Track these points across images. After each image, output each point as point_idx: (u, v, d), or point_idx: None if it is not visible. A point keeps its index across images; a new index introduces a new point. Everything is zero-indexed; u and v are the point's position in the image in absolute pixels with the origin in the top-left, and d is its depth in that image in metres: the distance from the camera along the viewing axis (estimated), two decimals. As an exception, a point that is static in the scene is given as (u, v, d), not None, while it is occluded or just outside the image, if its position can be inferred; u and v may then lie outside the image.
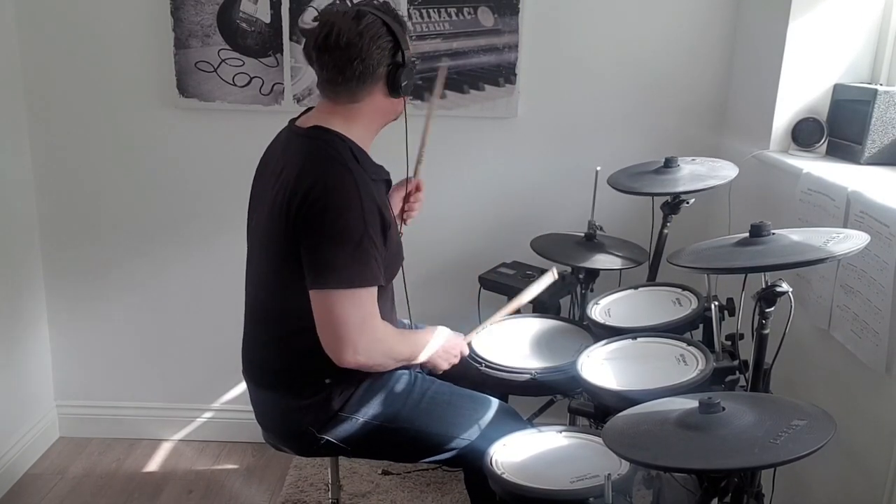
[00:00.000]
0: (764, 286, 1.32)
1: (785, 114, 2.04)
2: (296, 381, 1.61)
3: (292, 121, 1.66)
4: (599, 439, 1.38)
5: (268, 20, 2.36)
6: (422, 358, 1.66)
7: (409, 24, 2.31)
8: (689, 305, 1.76)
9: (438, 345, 1.69)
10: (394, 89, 1.56)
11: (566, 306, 2.20)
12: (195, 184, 2.52)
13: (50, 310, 2.64)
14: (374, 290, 1.51)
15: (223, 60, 2.38)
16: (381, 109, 1.60)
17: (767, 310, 1.34)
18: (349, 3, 2.28)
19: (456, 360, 1.74)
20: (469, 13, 2.34)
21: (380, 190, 1.58)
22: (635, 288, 1.92)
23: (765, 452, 1.03)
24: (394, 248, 1.59)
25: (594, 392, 1.49)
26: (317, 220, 1.47)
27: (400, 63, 1.55)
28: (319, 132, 1.56)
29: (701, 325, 1.71)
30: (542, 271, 2.15)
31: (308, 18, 2.32)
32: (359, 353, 1.49)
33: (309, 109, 1.67)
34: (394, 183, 1.70)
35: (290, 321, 1.60)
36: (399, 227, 1.67)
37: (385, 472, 2.45)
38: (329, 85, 1.56)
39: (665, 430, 1.13)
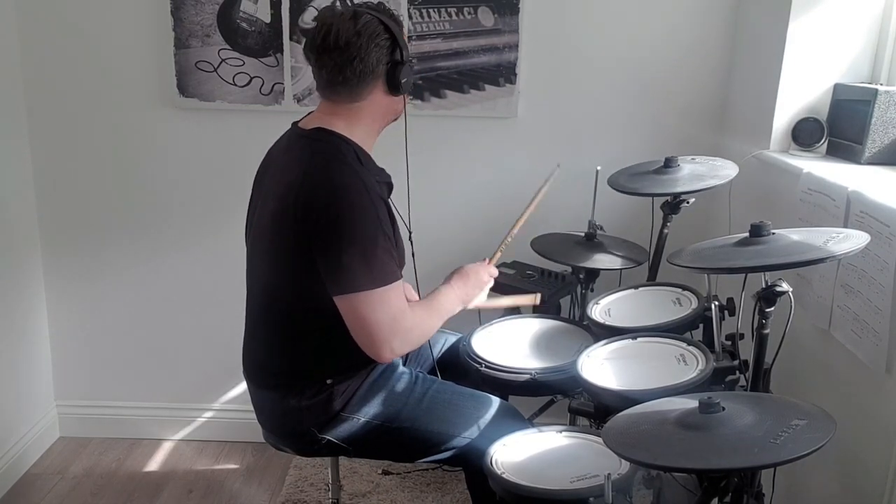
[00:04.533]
0: (764, 286, 1.32)
1: (785, 114, 2.04)
2: (297, 381, 1.61)
3: (295, 123, 1.66)
4: (599, 439, 1.38)
5: (268, 20, 2.36)
6: (457, 311, 1.70)
7: (409, 24, 2.32)
8: (689, 305, 1.76)
9: (464, 292, 1.71)
10: (393, 87, 1.56)
11: (566, 306, 2.20)
12: (195, 184, 2.52)
13: (50, 310, 2.64)
14: (398, 284, 1.53)
15: (223, 60, 2.38)
16: (382, 108, 1.60)
17: (767, 310, 1.34)
18: (349, 3, 2.28)
19: (489, 285, 1.79)
20: (469, 13, 2.34)
21: (383, 192, 1.59)
22: (635, 288, 1.92)
23: (765, 452, 1.03)
24: (399, 249, 1.60)
25: (594, 392, 1.49)
26: (331, 226, 1.46)
27: (399, 61, 1.55)
28: (323, 134, 1.56)
29: (701, 325, 1.71)
30: (543, 271, 2.16)
31: (308, 18, 2.32)
32: (395, 349, 1.53)
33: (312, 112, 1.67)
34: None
35: (293, 323, 1.61)
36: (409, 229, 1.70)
37: (385, 472, 2.45)
38: (329, 86, 1.56)
39: (665, 429, 1.13)
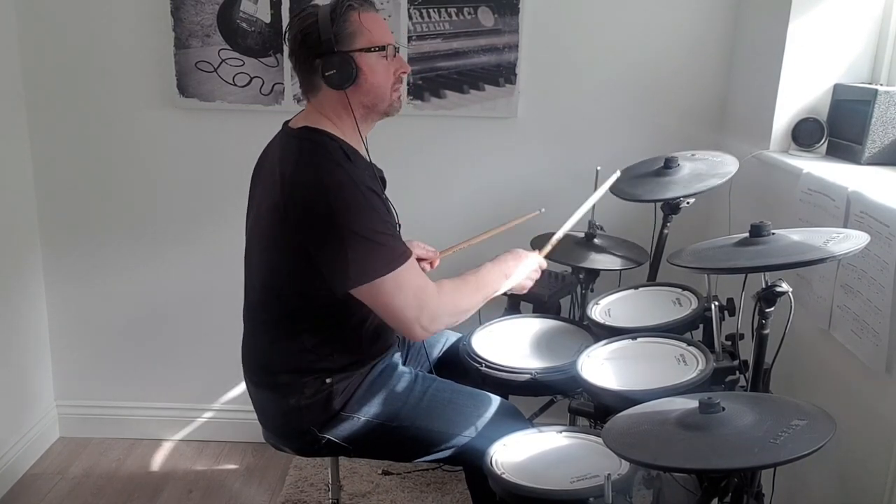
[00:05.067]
0: (764, 286, 1.32)
1: (785, 114, 2.04)
2: (297, 381, 1.61)
3: (286, 123, 1.67)
4: (599, 439, 1.38)
5: (268, 20, 2.36)
6: (500, 290, 1.68)
7: (409, 24, 2.32)
8: (689, 305, 1.76)
9: (513, 265, 1.69)
10: (326, 82, 1.55)
11: (566, 306, 2.20)
12: (195, 184, 2.52)
13: (50, 309, 2.64)
14: (412, 262, 1.52)
15: (223, 60, 2.38)
16: (340, 104, 1.58)
17: (767, 310, 1.34)
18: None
19: (537, 275, 1.75)
20: (469, 13, 2.34)
21: (374, 185, 1.58)
22: (635, 288, 1.92)
23: (765, 452, 1.03)
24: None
25: (594, 392, 1.49)
26: (327, 225, 1.47)
27: (328, 52, 1.52)
28: (310, 133, 1.57)
29: (701, 325, 1.71)
30: (542, 271, 2.15)
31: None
32: (426, 327, 1.53)
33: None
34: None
35: (291, 321, 1.61)
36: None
37: (385, 472, 2.45)
38: (299, 85, 1.63)
39: (665, 430, 1.13)
